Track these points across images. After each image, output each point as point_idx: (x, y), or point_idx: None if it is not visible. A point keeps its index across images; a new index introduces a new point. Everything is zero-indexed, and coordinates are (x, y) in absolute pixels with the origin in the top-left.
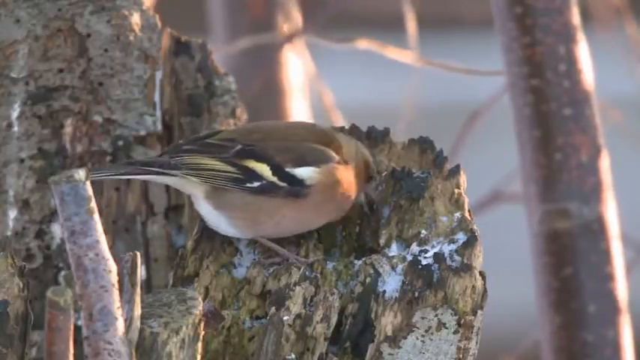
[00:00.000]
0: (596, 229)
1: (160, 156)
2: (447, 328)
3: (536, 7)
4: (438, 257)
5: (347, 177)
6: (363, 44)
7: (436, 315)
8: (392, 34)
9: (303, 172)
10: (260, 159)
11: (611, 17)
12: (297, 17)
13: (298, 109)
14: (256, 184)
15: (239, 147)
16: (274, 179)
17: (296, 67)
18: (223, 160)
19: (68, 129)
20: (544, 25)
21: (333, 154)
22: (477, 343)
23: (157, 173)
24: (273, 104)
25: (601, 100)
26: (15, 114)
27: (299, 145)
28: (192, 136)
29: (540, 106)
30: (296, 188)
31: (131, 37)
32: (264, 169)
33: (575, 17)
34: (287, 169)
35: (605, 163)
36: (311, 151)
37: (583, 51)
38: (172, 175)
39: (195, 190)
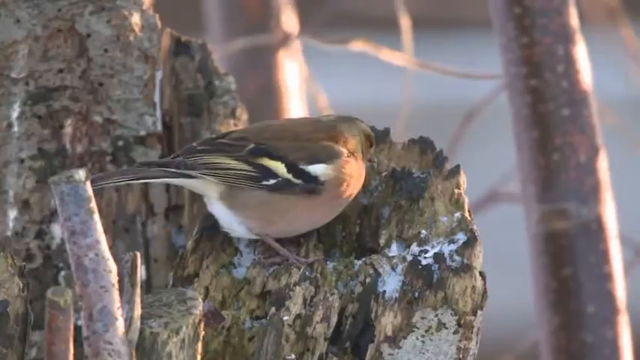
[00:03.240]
0: (595, 230)
1: (173, 158)
2: (447, 328)
3: (535, 7)
4: (438, 257)
5: (356, 169)
6: (358, 46)
7: (436, 315)
8: (392, 34)
9: (317, 169)
10: (273, 157)
11: (607, 18)
12: (293, 18)
13: (295, 110)
14: (272, 181)
15: (252, 146)
16: (289, 176)
17: (292, 68)
18: (238, 159)
19: (68, 129)
20: (542, 25)
21: (342, 148)
22: (477, 343)
23: (175, 175)
24: (271, 105)
25: (599, 101)
26: (15, 114)
27: (310, 144)
28: (205, 138)
29: (538, 107)
30: (311, 185)
31: (131, 37)
32: (278, 167)
33: (574, 18)
34: (301, 167)
35: (603, 163)
36: (322, 149)
37: (581, 51)
38: (190, 177)
39: (210, 190)
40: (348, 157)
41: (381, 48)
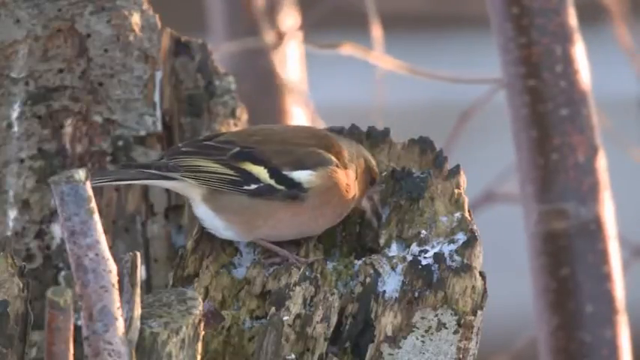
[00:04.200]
0: (594, 230)
1: (159, 159)
2: (446, 328)
3: (533, 7)
4: (438, 257)
5: (345, 181)
6: (348, 49)
7: (436, 315)
8: (393, 32)
9: (301, 176)
10: (257, 162)
11: (607, 18)
12: (295, 18)
13: (295, 110)
14: (253, 186)
15: (237, 149)
16: (271, 182)
17: (292, 68)
18: (220, 163)
19: (68, 129)
20: (540, 25)
21: (332, 157)
22: (476, 343)
23: (156, 177)
24: (271, 105)
25: (598, 100)
26: (15, 114)
27: (297, 149)
28: (191, 138)
29: (537, 107)
30: (293, 191)
31: (131, 37)
32: (260, 172)
33: (572, 18)
34: (284, 172)
35: (602, 163)
36: (309, 155)
37: (580, 51)
38: (171, 179)
39: (192, 193)
40: (337, 166)
41: (370, 51)
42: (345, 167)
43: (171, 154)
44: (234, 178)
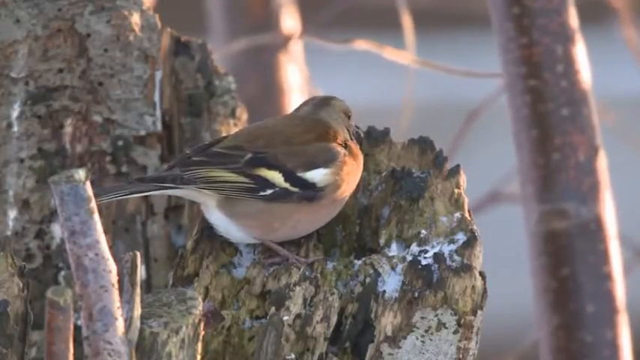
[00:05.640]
0: (594, 229)
1: (168, 169)
2: (446, 328)
3: (534, 7)
4: (438, 257)
5: (354, 167)
6: (361, 45)
7: (436, 315)
8: (396, 31)
9: (315, 175)
10: (271, 167)
11: (609, 17)
12: (295, 18)
13: None
14: (269, 191)
15: (249, 156)
16: (286, 185)
17: (293, 68)
18: (235, 171)
19: (68, 129)
20: (541, 25)
21: (338, 148)
22: (476, 343)
23: (170, 189)
24: (271, 105)
25: (604, 99)
26: (15, 114)
27: (306, 148)
28: (198, 145)
29: (538, 107)
30: (309, 192)
31: (131, 37)
32: (275, 177)
33: (573, 18)
34: (299, 174)
35: (602, 163)
36: (320, 152)
37: (580, 51)
38: (185, 189)
39: (206, 200)
40: (345, 156)
41: (384, 47)
42: (347, 142)
43: (183, 164)
44: (249, 185)
